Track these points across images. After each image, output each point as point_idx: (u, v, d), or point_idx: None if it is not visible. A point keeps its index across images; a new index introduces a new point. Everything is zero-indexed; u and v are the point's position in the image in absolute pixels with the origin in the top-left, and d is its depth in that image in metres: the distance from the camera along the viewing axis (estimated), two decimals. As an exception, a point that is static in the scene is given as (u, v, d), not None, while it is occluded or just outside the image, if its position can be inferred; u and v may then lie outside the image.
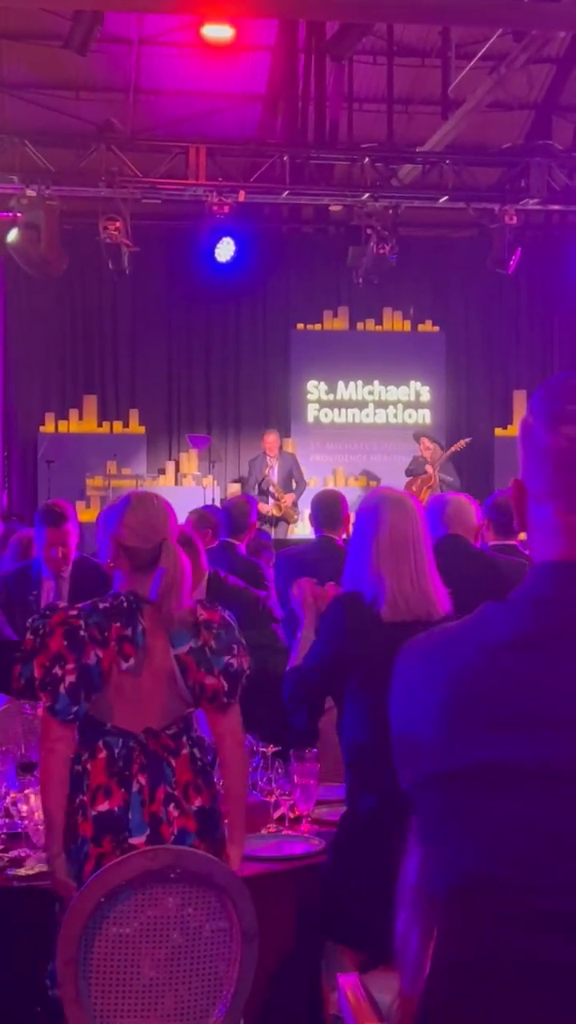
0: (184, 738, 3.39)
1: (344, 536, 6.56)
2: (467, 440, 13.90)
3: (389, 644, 1.74)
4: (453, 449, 13.68)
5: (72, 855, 3.26)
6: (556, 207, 13.19)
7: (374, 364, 15.25)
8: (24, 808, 3.82)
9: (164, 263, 14.49)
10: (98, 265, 12.54)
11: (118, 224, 11.72)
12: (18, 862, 3.63)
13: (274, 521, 12.99)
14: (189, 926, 3.02)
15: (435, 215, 13.88)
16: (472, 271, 14.36)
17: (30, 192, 11.43)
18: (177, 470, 14.92)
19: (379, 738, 1.69)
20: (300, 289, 15.26)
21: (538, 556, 1.53)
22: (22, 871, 3.56)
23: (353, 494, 13.06)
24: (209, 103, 13.67)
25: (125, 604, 3.35)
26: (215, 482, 14.39)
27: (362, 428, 15.36)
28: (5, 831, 3.87)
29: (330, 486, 13.53)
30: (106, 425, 14.86)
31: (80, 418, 14.82)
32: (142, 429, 14.92)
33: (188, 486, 14.40)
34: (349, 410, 15.39)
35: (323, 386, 15.31)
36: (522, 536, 5.60)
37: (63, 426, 14.73)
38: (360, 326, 15.39)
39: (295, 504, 13.01)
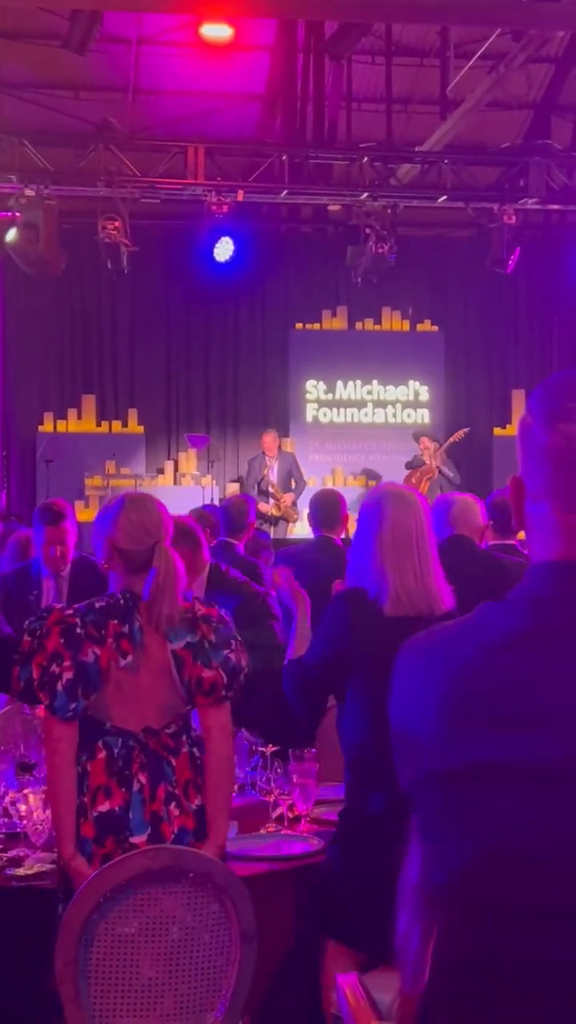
0: (184, 737, 3.39)
1: (343, 535, 6.56)
2: (465, 430, 13.93)
3: (391, 640, 1.74)
4: (452, 439, 13.70)
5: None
6: (555, 207, 13.19)
7: (373, 364, 15.25)
8: (23, 808, 3.82)
9: (163, 263, 14.49)
10: (97, 265, 12.54)
11: (117, 224, 11.72)
12: (17, 862, 3.63)
13: (273, 521, 13.00)
14: (188, 926, 3.02)
15: (434, 215, 13.88)
16: (471, 271, 14.35)
17: (29, 192, 11.43)
18: (176, 470, 14.92)
19: (380, 736, 1.69)
20: (299, 289, 15.26)
21: (536, 555, 1.53)
22: (21, 871, 3.56)
23: (352, 494, 13.08)
24: (208, 103, 13.66)
25: (122, 602, 3.37)
26: (214, 482, 14.39)
27: (361, 428, 15.36)
28: (4, 831, 3.88)
29: (329, 486, 13.54)
30: (105, 425, 14.86)
31: (79, 418, 14.82)
32: (141, 429, 14.92)
33: (187, 486, 14.40)
34: (348, 410, 15.39)
35: (322, 386, 15.31)
36: (521, 536, 5.60)
37: (62, 426, 14.73)
38: (359, 326, 15.39)
39: (294, 504, 13.01)
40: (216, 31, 10.81)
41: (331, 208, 14.01)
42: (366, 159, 12.27)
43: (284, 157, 12.18)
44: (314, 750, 4.17)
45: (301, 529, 12.36)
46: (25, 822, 3.79)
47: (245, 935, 3.03)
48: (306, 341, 15.23)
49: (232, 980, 3.04)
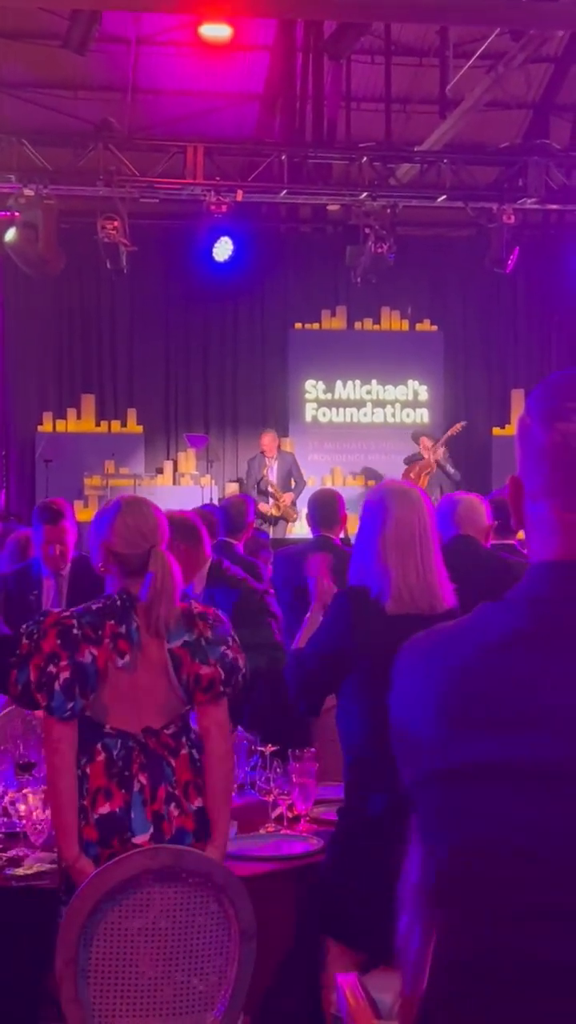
0: (184, 738, 3.40)
1: (342, 535, 6.56)
2: (463, 423, 13.94)
3: (392, 639, 1.74)
4: (449, 433, 13.71)
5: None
6: (554, 206, 13.18)
7: (372, 363, 15.25)
8: (22, 808, 3.82)
9: (162, 262, 14.48)
10: (96, 264, 12.54)
11: (116, 223, 11.71)
12: (16, 861, 3.63)
13: (273, 520, 13.00)
14: (188, 925, 3.03)
15: (433, 214, 13.88)
16: (470, 270, 14.35)
17: (28, 191, 11.43)
18: (175, 469, 14.92)
19: (380, 735, 1.69)
20: (298, 288, 15.26)
21: (535, 555, 1.53)
22: (20, 871, 3.56)
23: (351, 493, 13.08)
24: (207, 102, 13.66)
25: (119, 603, 3.39)
26: (213, 481, 14.39)
27: (360, 427, 15.36)
28: (4, 830, 3.88)
29: (328, 485, 13.54)
30: (104, 424, 14.85)
31: (78, 417, 14.82)
32: (140, 428, 14.92)
33: (186, 485, 14.40)
34: (347, 409, 15.39)
35: (321, 385, 15.31)
36: (520, 535, 5.60)
37: (61, 425, 14.73)
38: (358, 325, 15.39)
39: (294, 503, 13.00)
40: (215, 31, 10.81)
41: (330, 208, 14.00)
42: (365, 159, 12.27)
43: (283, 157, 12.18)
44: (313, 750, 4.17)
45: (300, 529, 12.36)
46: (24, 822, 3.79)
47: (244, 935, 3.03)
48: (305, 341, 15.23)
49: (231, 980, 3.04)
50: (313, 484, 13.03)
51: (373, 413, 15.41)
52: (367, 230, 12.28)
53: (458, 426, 13.84)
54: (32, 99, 13.19)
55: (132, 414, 14.95)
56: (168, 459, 15.04)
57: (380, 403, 15.43)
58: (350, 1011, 2.24)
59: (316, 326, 15.33)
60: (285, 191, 12.39)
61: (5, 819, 3.93)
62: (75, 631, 3.31)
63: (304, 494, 12.19)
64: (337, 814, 3.70)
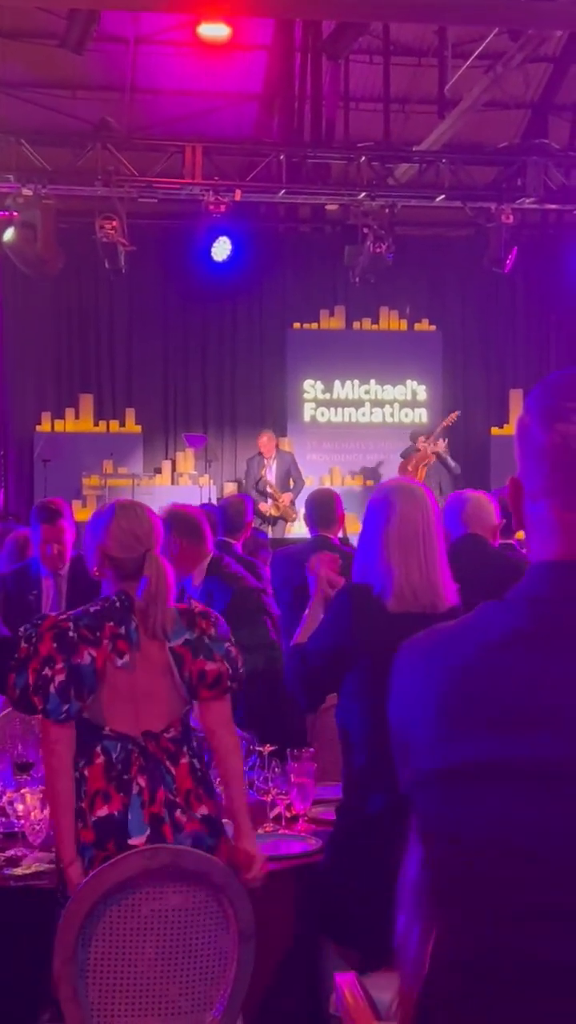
0: (185, 747, 3.39)
1: (340, 534, 6.56)
2: (457, 413, 13.99)
3: (394, 636, 1.74)
4: (445, 424, 13.74)
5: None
6: (552, 206, 13.19)
7: (371, 363, 15.25)
8: (20, 808, 3.82)
9: (160, 262, 14.48)
10: (94, 264, 12.55)
11: (114, 223, 11.71)
12: (14, 861, 3.63)
13: (272, 520, 13.00)
14: (186, 925, 3.03)
15: (432, 214, 13.88)
16: (469, 270, 14.35)
17: (26, 191, 11.43)
18: (173, 469, 14.92)
19: (380, 734, 1.69)
20: (296, 288, 15.26)
21: (535, 555, 1.53)
22: (18, 871, 3.56)
23: (350, 493, 13.10)
24: (205, 102, 13.66)
25: (117, 604, 3.39)
26: (211, 481, 14.39)
27: (359, 427, 15.36)
28: (2, 830, 3.88)
29: (327, 485, 13.54)
30: (102, 424, 14.85)
31: (76, 417, 14.82)
32: (138, 428, 14.92)
33: (184, 485, 14.40)
34: (345, 409, 15.39)
35: (319, 385, 15.31)
36: (520, 535, 5.60)
37: (59, 425, 14.72)
38: (356, 325, 15.39)
39: (293, 503, 13.00)
40: (214, 30, 10.80)
41: (329, 208, 14.00)
42: (364, 159, 12.27)
43: (282, 157, 12.18)
44: (312, 749, 4.17)
45: (299, 528, 12.35)
46: (23, 822, 3.79)
47: (243, 935, 3.03)
48: (304, 341, 15.23)
49: (230, 979, 3.04)
50: (312, 484, 13.03)
51: (372, 413, 15.41)
52: (366, 230, 12.28)
53: (453, 416, 13.89)
54: (30, 99, 13.18)
55: (130, 414, 14.95)
56: (167, 459, 15.04)
57: (379, 403, 15.43)
58: (349, 1011, 2.24)
59: (315, 326, 15.33)
60: (283, 191, 12.39)
61: (3, 819, 3.93)
62: (71, 634, 3.32)
63: (303, 494, 12.19)
64: (336, 813, 3.70)
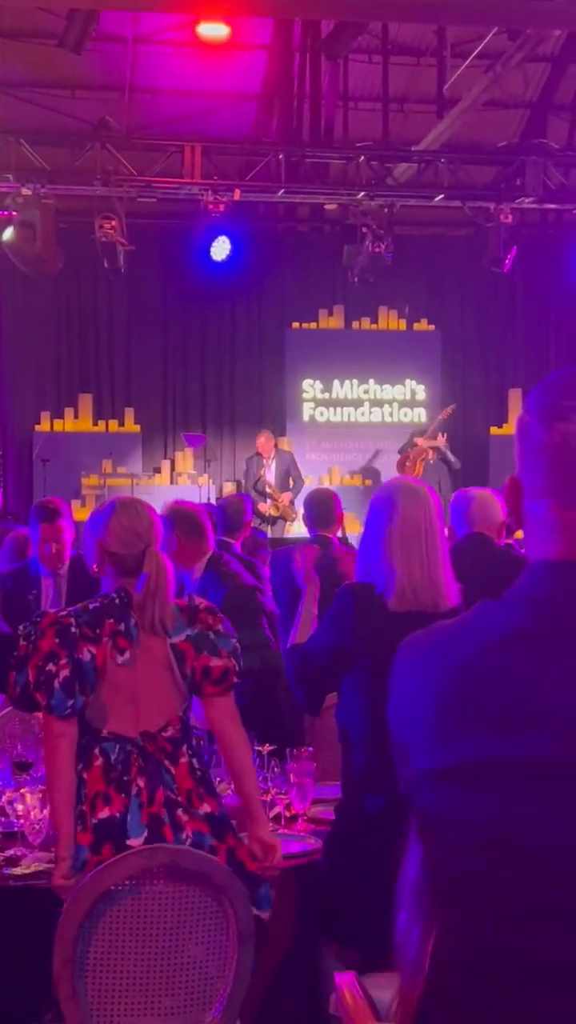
0: (184, 747, 3.39)
1: (339, 534, 6.56)
2: (452, 406, 14.01)
3: (394, 635, 1.73)
4: (440, 417, 13.76)
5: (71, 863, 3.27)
6: (551, 206, 13.20)
7: (369, 363, 15.24)
8: (20, 807, 3.81)
9: (159, 262, 14.47)
10: (93, 264, 12.55)
11: (114, 223, 11.72)
12: (14, 861, 3.63)
13: (271, 520, 13.00)
14: (186, 925, 3.02)
15: (430, 214, 13.88)
16: (467, 270, 14.35)
17: (26, 191, 11.44)
18: (172, 469, 14.91)
19: (380, 732, 1.69)
20: (295, 288, 15.25)
21: (534, 554, 1.53)
22: (18, 870, 3.56)
23: (349, 493, 13.09)
24: (204, 102, 13.65)
25: (117, 601, 3.39)
26: (210, 481, 14.39)
27: (357, 427, 15.35)
28: (1, 830, 3.87)
29: (326, 485, 13.55)
30: (101, 424, 14.84)
31: (75, 417, 14.81)
32: (137, 428, 14.91)
33: (183, 485, 14.39)
34: (344, 409, 15.38)
35: (318, 385, 15.30)
36: (518, 535, 5.60)
37: (58, 425, 14.72)
38: (355, 325, 15.39)
39: (292, 503, 13.00)
40: (212, 30, 10.80)
41: (328, 207, 14.00)
42: (363, 158, 12.28)
43: (281, 156, 12.18)
44: (311, 749, 4.17)
45: (299, 528, 12.35)
46: (22, 821, 3.79)
47: (243, 935, 3.03)
48: (303, 340, 15.23)
49: (229, 979, 3.04)
50: (311, 483, 13.03)
51: (370, 412, 15.41)
52: (364, 229, 12.29)
53: (448, 410, 13.92)
54: (29, 98, 13.18)
55: (130, 413, 14.94)
56: (166, 458, 15.04)
57: (378, 402, 15.42)
58: (348, 1011, 2.24)
59: (313, 325, 15.32)
60: (282, 190, 12.40)
61: (3, 819, 3.92)
62: (73, 629, 3.32)
63: (303, 493, 12.19)
64: (335, 812, 3.70)
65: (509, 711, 1.41)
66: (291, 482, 13.21)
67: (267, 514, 12.90)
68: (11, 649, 3.39)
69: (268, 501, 12.99)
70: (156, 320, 15.11)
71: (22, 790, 3.87)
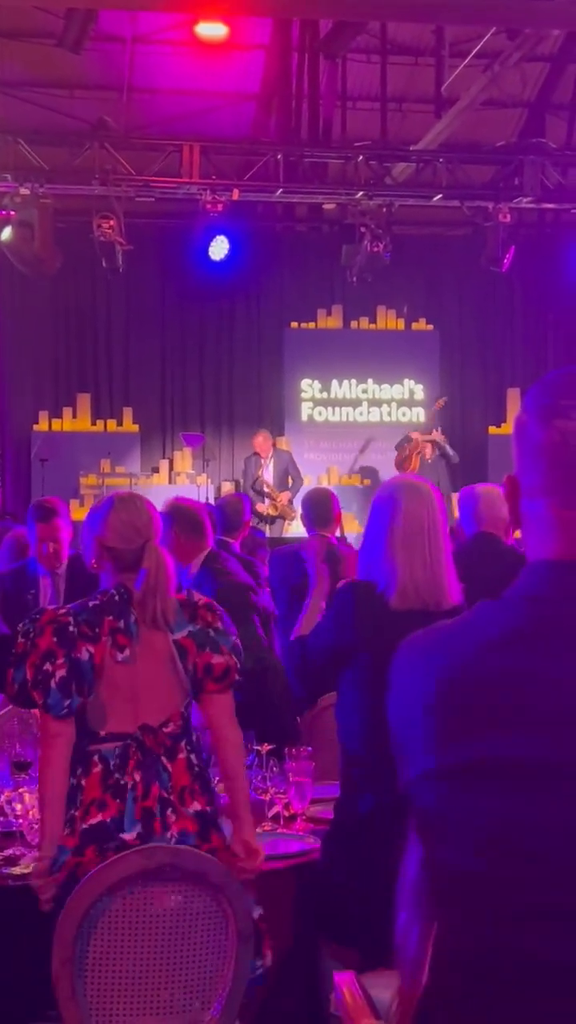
0: (183, 742, 3.38)
1: (337, 533, 6.56)
2: (444, 399, 14.03)
3: (395, 633, 1.73)
4: (433, 410, 13.79)
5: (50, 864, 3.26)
6: (550, 205, 13.21)
7: (368, 362, 15.24)
8: (19, 807, 3.81)
9: (158, 261, 14.47)
10: (92, 263, 12.54)
11: (112, 222, 11.72)
12: (12, 861, 3.63)
13: (270, 520, 13.00)
14: (185, 924, 3.02)
15: (429, 213, 13.88)
16: (466, 269, 14.36)
17: (24, 190, 11.43)
18: (171, 468, 14.91)
19: (378, 731, 1.69)
20: (294, 287, 15.25)
21: (532, 553, 1.53)
22: (16, 870, 3.56)
23: (347, 492, 13.10)
24: (203, 101, 13.65)
25: (116, 597, 3.38)
26: (209, 480, 14.38)
27: (356, 426, 15.35)
28: (0, 830, 3.87)
29: (324, 484, 13.55)
30: (100, 423, 14.85)
31: (74, 416, 14.81)
32: (136, 427, 14.91)
33: (182, 484, 14.39)
34: (343, 408, 15.38)
35: (317, 384, 15.30)
36: (517, 535, 5.59)
37: (56, 424, 14.72)
38: (354, 324, 15.39)
39: (291, 502, 13.00)
40: (211, 30, 10.80)
41: (326, 207, 14.00)
42: (361, 158, 12.28)
43: (279, 156, 12.18)
44: (309, 748, 4.17)
45: (298, 527, 12.35)
46: (21, 821, 3.79)
47: (242, 935, 3.03)
48: (301, 340, 15.23)
49: (228, 979, 3.04)
50: (309, 483, 13.03)
51: (369, 412, 15.41)
52: (363, 229, 12.28)
53: (440, 402, 13.93)
54: (28, 98, 13.18)
55: (128, 413, 14.94)
56: (164, 458, 15.04)
57: (376, 402, 15.42)
58: (348, 1010, 2.24)
59: (312, 325, 15.32)
60: (281, 190, 12.40)
61: (1, 818, 3.92)
62: (71, 628, 3.31)
63: (302, 492, 12.19)
64: (334, 810, 3.70)
65: (509, 711, 1.41)
66: (290, 481, 13.21)
67: (265, 514, 12.90)
68: (9, 649, 3.38)
69: (266, 501, 12.99)
70: (154, 320, 15.11)
71: (21, 789, 3.87)
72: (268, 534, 11.84)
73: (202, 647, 3.40)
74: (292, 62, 13.47)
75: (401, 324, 15.47)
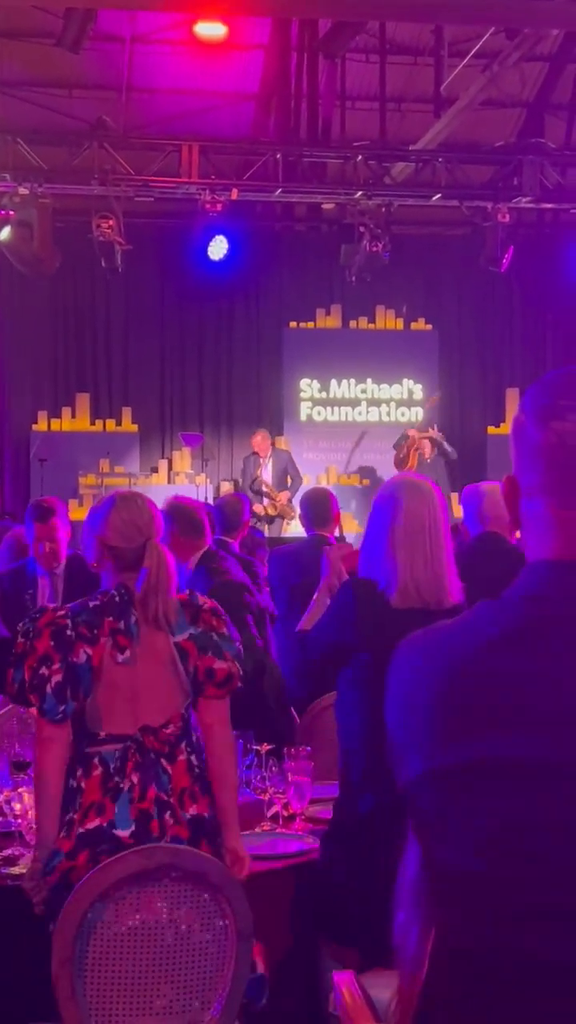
0: (183, 744, 3.37)
1: (336, 533, 6.56)
2: (438, 395, 14.09)
3: (396, 632, 1.73)
4: (427, 407, 13.81)
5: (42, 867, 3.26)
6: (549, 205, 13.21)
7: (367, 362, 15.25)
8: (18, 807, 3.81)
9: (157, 261, 14.48)
10: (91, 263, 12.55)
11: (111, 222, 11.72)
12: (12, 860, 3.63)
13: (269, 519, 12.99)
14: (184, 924, 3.02)
15: (428, 213, 13.88)
16: (465, 269, 14.36)
17: (23, 190, 11.43)
18: (170, 468, 14.91)
19: (377, 730, 1.69)
20: (293, 287, 15.26)
21: (532, 553, 1.53)
22: (15, 870, 3.55)
23: (346, 492, 13.10)
24: (202, 101, 13.66)
25: (117, 598, 3.37)
26: (208, 480, 14.39)
27: (355, 426, 15.35)
28: (-1, 830, 3.88)
29: (323, 484, 13.55)
30: (99, 423, 14.85)
31: (73, 416, 14.81)
32: (135, 427, 14.92)
33: (181, 484, 14.39)
34: (342, 408, 15.39)
35: (316, 384, 15.31)
36: (517, 535, 5.59)
37: (56, 424, 14.72)
38: (353, 324, 15.39)
39: (290, 501, 13.00)
40: (210, 30, 10.80)
41: (325, 206, 14.00)
42: (360, 157, 12.27)
43: (278, 155, 12.18)
44: (308, 748, 4.17)
45: (297, 527, 12.34)
46: (20, 821, 3.78)
47: (241, 935, 3.03)
48: (300, 340, 15.23)
49: (228, 979, 3.04)
50: (308, 483, 13.03)
51: (368, 412, 15.41)
52: (362, 229, 12.28)
53: (434, 399, 13.94)
54: (27, 98, 13.18)
55: (127, 413, 14.94)
56: (163, 458, 15.04)
57: (375, 402, 15.43)
58: (347, 1010, 2.24)
59: (311, 325, 15.33)
60: (280, 190, 12.40)
61: (1, 818, 3.92)
62: (69, 631, 3.29)
63: (301, 492, 12.18)
64: (333, 810, 3.70)
65: (508, 711, 1.41)
66: (289, 480, 13.21)
67: (263, 513, 12.89)
68: (9, 650, 3.38)
69: (265, 500, 12.98)
70: (153, 319, 15.11)
71: (20, 789, 3.86)
72: (267, 534, 11.84)
73: (203, 651, 3.39)
74: (291, 62, 13.48)
75: (400, 324, 15.47)
